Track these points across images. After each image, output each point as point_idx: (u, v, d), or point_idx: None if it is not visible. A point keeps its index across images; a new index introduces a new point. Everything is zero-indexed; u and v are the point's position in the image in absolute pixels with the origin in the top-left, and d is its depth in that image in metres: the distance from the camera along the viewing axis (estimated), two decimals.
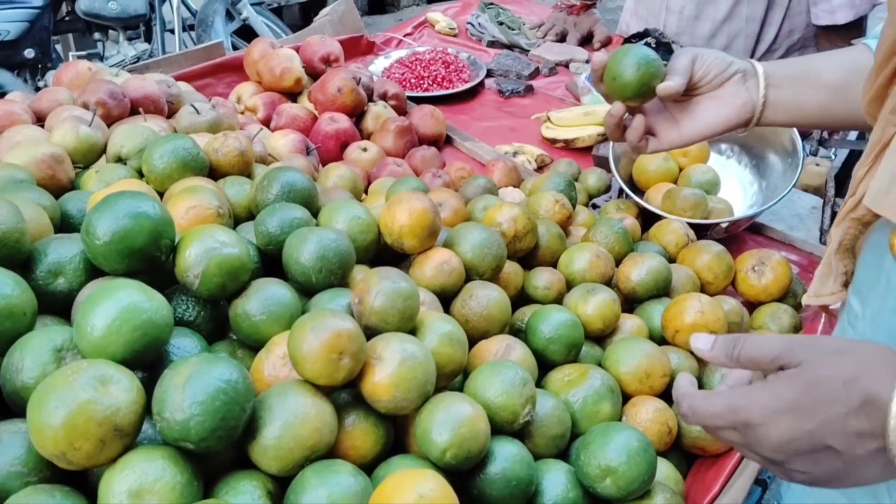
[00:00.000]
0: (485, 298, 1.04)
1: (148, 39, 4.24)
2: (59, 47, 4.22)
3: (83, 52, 3.98)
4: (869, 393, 0.60)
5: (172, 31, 4.09)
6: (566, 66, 2.22)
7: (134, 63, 1.77)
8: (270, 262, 1.02)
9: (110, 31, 4.13)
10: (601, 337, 1.14)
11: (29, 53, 3.72)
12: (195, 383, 0.71)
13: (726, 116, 1.05)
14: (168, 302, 0.81)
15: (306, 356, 0.78)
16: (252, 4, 4.29)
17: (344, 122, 1.67)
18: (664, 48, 1.92)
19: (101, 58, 4.06)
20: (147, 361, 0.78)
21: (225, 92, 1.88)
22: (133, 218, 0.84)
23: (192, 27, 4.20)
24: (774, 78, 1.04)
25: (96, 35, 4.13)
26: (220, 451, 0.73)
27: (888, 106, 0.71)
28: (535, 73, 2.16)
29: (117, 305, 0.75)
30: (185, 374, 0.72)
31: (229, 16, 4.29)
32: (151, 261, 0.87)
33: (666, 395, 1.04)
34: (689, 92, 1.06)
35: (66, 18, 4.05)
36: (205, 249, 0.87)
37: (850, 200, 0.75)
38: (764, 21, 2.04)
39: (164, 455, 0.71)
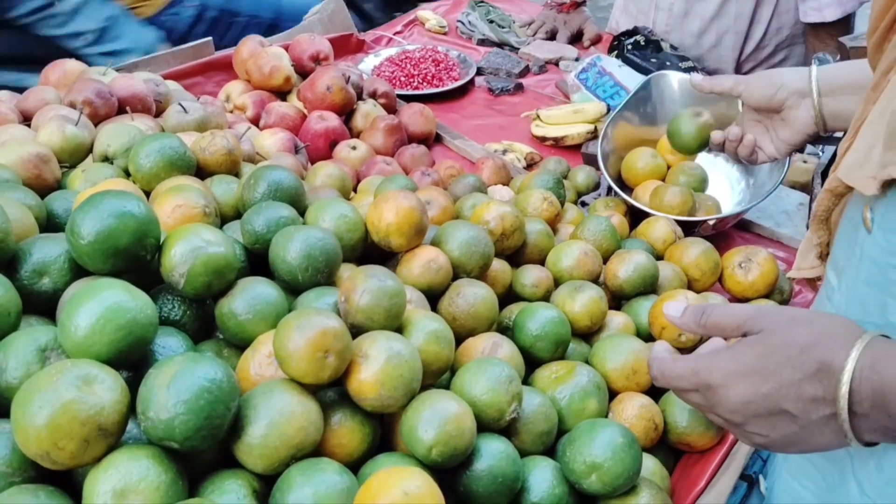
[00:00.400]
0: (472, 296, 1.04)
1: None
2: None
3: None
4: (824, 360, 0.63)
5: None
6: (556, 63, 2.22)
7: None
8: (257, 260, 1.02)
9: None
10: (588, 334, 1.14)
11: None
12: (179, 382, 0.71)
13: (793, 136, 1.21)
14: (153, 301, 0.82)
15: (292, 354, 0.78)
16: None
17: (333, 120, 1.66)
18: (653, 46, 1.92)
19: None
20: (132, 361, 0.78)
21: (214, 91, 1.88)
22: (118, 217, 0.84)
23: None
24: (831, 88, 1.12)
25: None
26: (204, 450, 0.74)
27: (873, 81, 0.72)
28: (525, 71, 2.16)
29: (101, 305, 0.75)
30: (169, 373, 0.72)
31: None
32: (136, 260, 0.87)
33: (652, 391, 1.05)
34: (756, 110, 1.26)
35: None
36: (190, 248, 0.87)
37: (832, 175, 0.77)
38: (752, 18, 2.05)
39: (149, 454, 0.71)
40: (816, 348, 0.63)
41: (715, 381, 0.68)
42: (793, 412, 0.64)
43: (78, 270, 0.88)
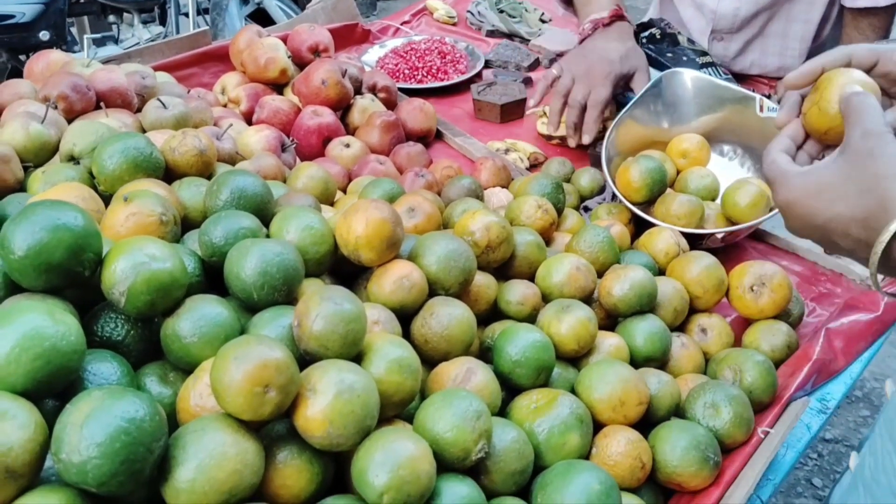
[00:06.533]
0: (446, 317, 0.96)
1: (163, 22, 4.22)
2: (74, 30, 4.20)
3: (98, 35, 3.96)
4: (874, 209, 0.69)
5: (187, 15, 4.05)
6: None
7: (150, 42, 1.71)
8: (216, 274, 0.95)
9: (125, 14, 4.13)
10: (576, 358, 1.05)
11: (44, 36, 3.71)
12: (94, 422, 0.64)
13: None
14: (96, 318, 0.75)
15: (227, 388, 0.71)
16: None
17: (327, 116, 1.59)
18: (669, 39, 1.81)
19: (116, 41, 4.04)
20: (56, 390, 0.72)
21: (210, 82, 1.81)
22: (51, 231, 0.77)
23: (206, 10, 4.16)
24: None
25: (111, 18, 4.13)
26: (125, 494, 0.67)
27: None
28: (535, 65, 2.06)
29: (17, 332, 0.68)
30: (84, 410, 0.65)
31: None
32: (73, 276, 0.80)
33: (641, 424, 0.96)
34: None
35: (82, 1, 4.02)
36: (132, 265, 0.80)
37: None
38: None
39: (63, 499, 0.65)
40: (874, 192, 0.68)
41: (787, 198, 0.77)
42: (840, 245, 0.74)
43: (13, 286, 0.82)
